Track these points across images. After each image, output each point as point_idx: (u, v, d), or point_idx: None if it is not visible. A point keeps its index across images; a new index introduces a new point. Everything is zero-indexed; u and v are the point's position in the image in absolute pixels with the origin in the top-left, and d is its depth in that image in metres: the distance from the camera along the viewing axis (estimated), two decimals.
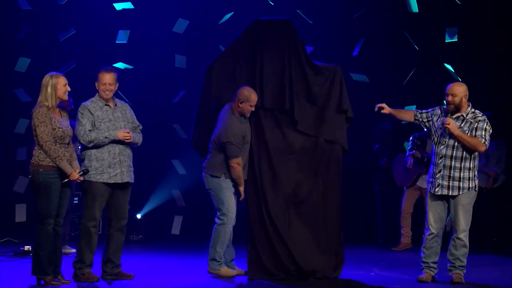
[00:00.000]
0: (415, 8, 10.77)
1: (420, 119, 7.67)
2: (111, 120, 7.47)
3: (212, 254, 7.66)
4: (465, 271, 7.49)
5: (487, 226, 10.28)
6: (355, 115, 7.90)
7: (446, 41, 10.97)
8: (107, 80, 7.47)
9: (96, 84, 7.51)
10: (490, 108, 9.04)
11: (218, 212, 7.70)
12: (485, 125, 7.43)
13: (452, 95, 7.43)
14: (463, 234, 7.42)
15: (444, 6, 11.15)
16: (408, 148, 10.48)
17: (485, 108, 7.88)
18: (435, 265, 7.54)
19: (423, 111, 7.70)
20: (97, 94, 7.52)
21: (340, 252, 7.69)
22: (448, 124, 7.35)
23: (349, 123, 7.89)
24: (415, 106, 10.41)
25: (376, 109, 7.70)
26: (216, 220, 7.70)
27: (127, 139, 7.44)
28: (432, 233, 7.49)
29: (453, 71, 10.96)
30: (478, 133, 7.40)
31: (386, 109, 7.69)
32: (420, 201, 10.57)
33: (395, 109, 7.76)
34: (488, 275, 8.11)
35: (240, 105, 7.59)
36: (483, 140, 7.39)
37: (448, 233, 7.91)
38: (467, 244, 7.44)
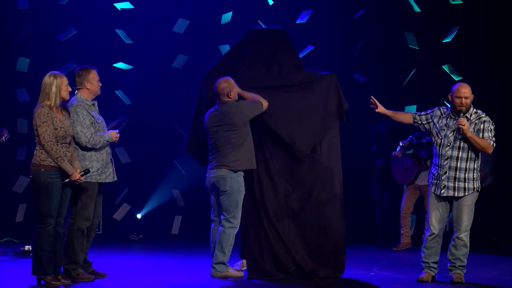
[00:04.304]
0: (415, 7, 10.77)
1: (419, 122, 7.58)
2: (101, 120, 7.45)
3: (221, 257, 7.51)
4: (465, 271, 7.50)
5: (480, 225, 10.25)
6: (354, 117, 7.88)
7: (443, 41, 10.97)
8: (98, 77, 7.44)
9: (84, 83, 7.35)
10: (490, 107, 9.03)
11: (227, 214, 7.50)
12: (490, 125, 7.41)
13: (466, 97, 7.36)
14: (465, 234, 7.42)
15: (444, 6, 11.15)
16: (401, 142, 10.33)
17: (485, 108, 7.87)
18: (435, 265, 7.55)
19: (422, 113, 7.62)
20: (80, 93, 7.37)
21: (342, 253, 7.70)
22: (463, 125, 7.29)
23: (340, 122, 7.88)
24: (415, 106, 10.41)
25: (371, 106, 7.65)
26: (225, 223, 7.50)
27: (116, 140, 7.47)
28: (433, 233, 7.48)
29: (448, 72, 10.97)
30: (486, 134, 7.37)
31: (380, 108, 7.61)
32: (420, 200, 10.57)
33: (392, 111, 7.66)
34: (487, 275, 8.11)
35: (230, 95, 7.54)
36: (492, 142, 7.39)
37: (448, 233, 7.91)
38: (468, 244, 7.45)
